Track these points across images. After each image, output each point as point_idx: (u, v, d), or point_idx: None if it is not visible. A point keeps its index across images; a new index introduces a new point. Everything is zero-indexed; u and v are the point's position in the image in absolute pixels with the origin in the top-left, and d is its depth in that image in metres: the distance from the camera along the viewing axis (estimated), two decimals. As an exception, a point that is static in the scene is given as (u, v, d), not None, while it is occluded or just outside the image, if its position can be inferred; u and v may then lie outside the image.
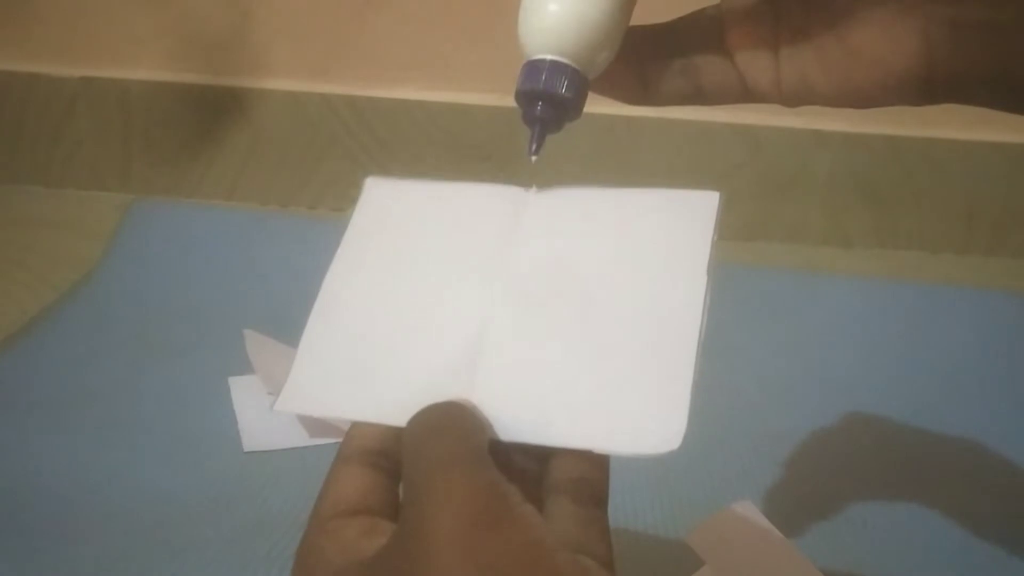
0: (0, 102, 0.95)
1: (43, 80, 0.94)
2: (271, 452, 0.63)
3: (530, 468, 0.34)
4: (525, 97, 0.41)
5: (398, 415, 0.33)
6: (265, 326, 0.71)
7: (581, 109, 0.40)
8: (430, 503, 0.29)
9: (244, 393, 0.67)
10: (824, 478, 0.63)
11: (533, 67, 0.41)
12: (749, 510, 0.57)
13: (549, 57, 0.40)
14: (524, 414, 0.34)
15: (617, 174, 0.91)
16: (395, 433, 0.34)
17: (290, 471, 0.62)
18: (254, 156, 0.95)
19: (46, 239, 0.89)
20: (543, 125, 0.40)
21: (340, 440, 0.66)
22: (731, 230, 0.92)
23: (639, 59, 0.41)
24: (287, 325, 0.73)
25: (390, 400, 0.34)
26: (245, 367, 0.67)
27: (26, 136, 0.96)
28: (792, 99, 0.40)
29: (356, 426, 0.35)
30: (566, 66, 0.40)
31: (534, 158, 0.40)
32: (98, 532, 0.56)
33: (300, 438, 0.64)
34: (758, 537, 0.54)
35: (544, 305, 0.36)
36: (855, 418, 0.68)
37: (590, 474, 0.33)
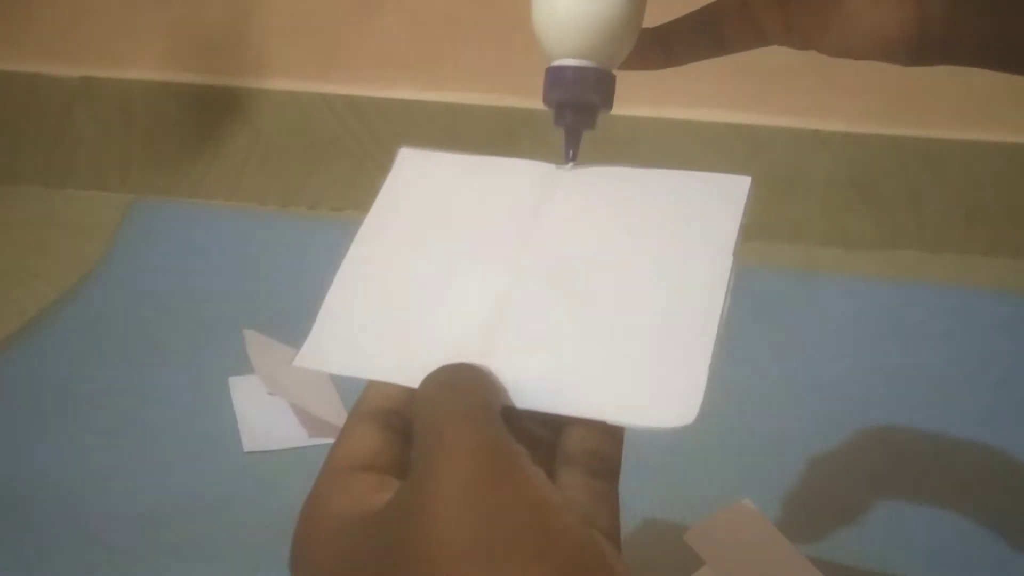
0: (0, 102, 0.95)
1: (43, 80, 0.93)
2: (271, 452, 0.63)
3: (545, 437, 0.34)
4: (554, 104, 0.40)
5: (415, 377, 0.34)
6: (265, 326, 0.71)
7: (612, 102, 0.40)
8: (439, 455, 0.29)
9: (244, 393, 0.67)
10: (824, 478, 0.63)
11: (558, 74, 0.39)
12: (749, 510, 0.57)
13: (572, 63, 0.39)
14: (541, 382, 0.34)
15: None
16: (409, 394, 0.34)
17: (290, 471, 0.62)
18: (254, 156, 0.95)
19: (46, 239, 0.89)
20: (577, 132, 0.40)
21: (340, 440, 0.66)
22: (731, 230, 0.92)
23: (657, 29, 0.43)
24: (287, 325, 0.73)
25: (408, 362, 0.34)
26: (245, 367, 0.67)
27: (26, 136, 0.96)
28: (800, 47, 0.43)
29: (372, 385, 0.35)
30: (592, 70, 0.39)
31: (571, 164, 0.39)
32: (98, 532, 0.56)
33: (300, 438, 0.64)
34: (758, 537, 0.54)
35: (568, 278, 0.36)
36: (855, 418, 0.68)
37: (604, 447, 0.33)
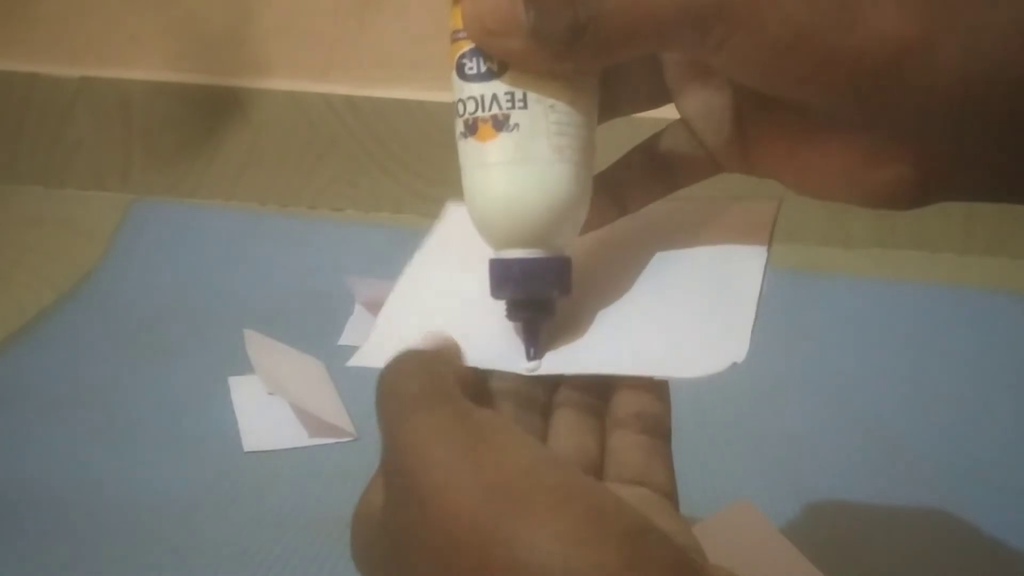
0: (0, 102, 0.95)
1: (43, 80, 0.93)
2: (271, 452, 0.63)
3: (538, 396, 0.34)
4: (506, 302, 0.35)
5: None
6: (265, 326, 0.71)
7: (570, 285, 0.34)
8: (402, 450, 0.28)
9: (244, 393, 0.67)
10: (824, 478, 0.63)
11: (505, 269, 0.34)
12: (749, 510, 0.57)
13: (520, 254, 0.34)
14: (587, 348, 0.34)
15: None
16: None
17: (290, 471, 0.62)
18: (254, 156, 0.95)
19: (46, 239, 0.89)
20: (535, 328, 0.35)
21: (340, 440, 0.66)
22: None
23: (605, 180, 0.38)
24: (287, 325, 0.73)
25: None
26: (245, 367, 0.67)
27: (26, 136, 0.96)
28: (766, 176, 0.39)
29: None
30: (544, 260, 0.34)
31: (536, 363, 0.34)
32: (98, 532, 0.56)
33: (300, 438, 0.64)
34: (758, 537, 0.54)
35: (607, 266, 0.37)
36: (855, 418, 0.68)
37: (652, 407, 0.33)
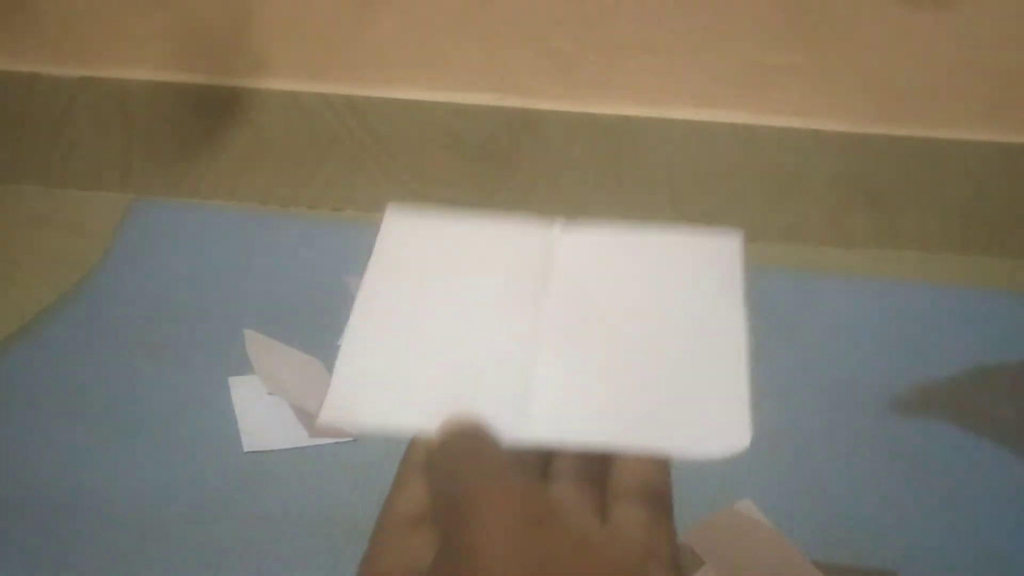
0: (0, 102, 0.95)
1: (43, 80, 0.93)
2: (271, 452, 0.63)
3: (536, 461, 0.34)
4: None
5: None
6: (265, 326, 0.71)
7: None
8: (473, 514, 0.29)
9: (244, 393, 0.67)
10: (824, 478, 0.63)
11: None
12: (749, 510, 0.57)
13: None
14: (587, 420, 0.34)
15: (617, 174, 0.91)
16: None
17: (290, 471, 0.62)
18: (254, 156, 0.95)
19: (46, 239, 0.89)
20: None
21: (340, 440, 0.66)
22: (731, 230, 0.92)
23: None
24: (287, 325, 0.73)
25: (435, 412, 0.34)
26: (245, 367, 0.67)
27: (26, 136, 0.96)
28: None
29: (416, 438, 0.35)
30: None
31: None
32: (98, 532, 0.56)
33: (300, 438, 0.64)
34: (758, 537, 0.54)
35: (591, 326, 0.37)
36: (855, 418, 0.68)
37: (654, 478, 0.33)
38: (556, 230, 0.40)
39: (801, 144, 0.90)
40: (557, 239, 0.40)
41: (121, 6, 0.91)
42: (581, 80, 0.89)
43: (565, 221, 0.41)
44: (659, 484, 0.33)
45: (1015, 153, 0.89)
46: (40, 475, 0.61)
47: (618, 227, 0.40)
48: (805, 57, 0.87)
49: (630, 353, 0.36)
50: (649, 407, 0.34)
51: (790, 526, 0.57)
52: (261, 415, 0.66)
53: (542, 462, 0.35)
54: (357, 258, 0.84)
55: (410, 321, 0.38)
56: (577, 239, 0.40)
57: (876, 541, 0.58)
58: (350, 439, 0.64)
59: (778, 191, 0.91)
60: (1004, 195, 0.90)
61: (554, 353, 0.36)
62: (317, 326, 0.74)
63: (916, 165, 0.90)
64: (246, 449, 0.63)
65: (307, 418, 0.65)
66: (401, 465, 0.34)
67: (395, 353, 0.37)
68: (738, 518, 0.56)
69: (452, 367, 0.36)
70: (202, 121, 0.94)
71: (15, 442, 0.63)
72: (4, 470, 0.61)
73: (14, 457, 0.62)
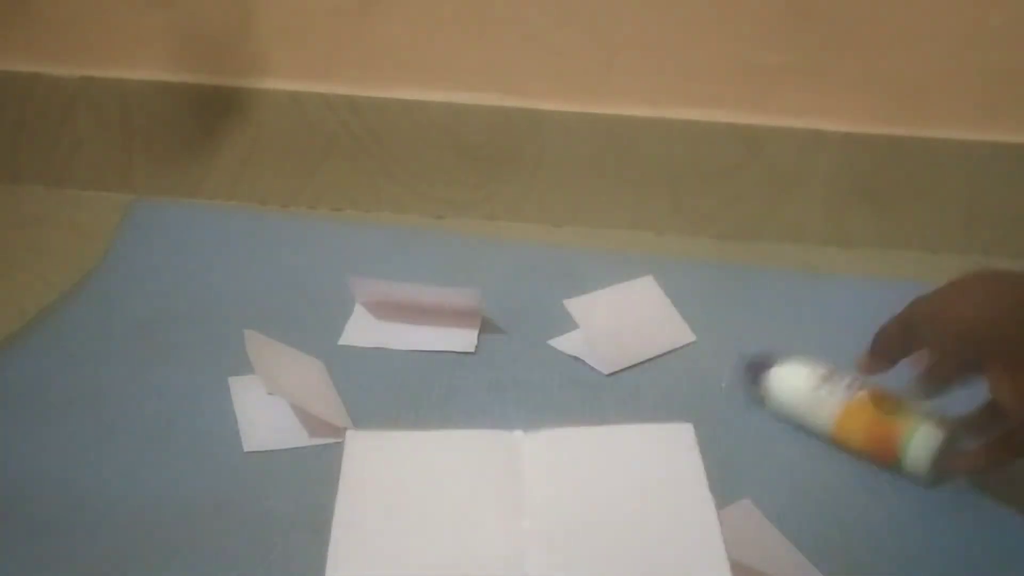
0: (0, 102, 0.95)
1: (43, 80, 0.94)
2: (271, 452, 0.63)
3: None
4: None
5: None
6: (265, 326, 0.71)
7: None
8: None
9: (244, 393, 0.67)
10: (824, 478, 0.63)
11: None
12: (749, 510, 0.57)
13: None
14: None
15: (617, 174, 0.91)
16: None
17: (290, 471, 0.62)
18: (254, 156, 0.95)
19: (46, 239, 0.89)
20: None
21: (339, 440, 0.66)
22: (731, 230, 0.92)
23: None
24: (287, 325, 0.73)
25: None
26: (245, 367, 0.67)
27: (26, 136, 0.96)
28: None
29: None
30: None
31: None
32: (98, 531, 0.56)
33: (300, 438, 0.64)
34: (757, 536, 0.53)
35: (573, 535, 0.38)
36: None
37: None
38: (517, 437, 0.42)
39: (801, 144, 0.90)
40: (520, 445, 0.41)
41: (121, 6, 0.91)
42: (581, 80, 0.89)
43: (524, 429, 0.42)
44: None
45: (1015, 153, 0.89)
46: (40, 475, 0.61)
47: (576, 430, 0.42)
48: (805, 57, 0.87)
49: (612, 547, 0.38)
50: None
51: (790, 526, 0.57)
52: (261, 415, 0.66)
53: None
54: (357, 258, 0.84)
55: (392, 541, 0.39)
56: (539, 444, 0.42)
57: (876, 541, 0.58)
58: (350, 439, 0.64)
59: (778, 191, 0.91)
60: (1004, 195, 0.90)
61: (538, 554, 0.37)
62: (317, 326, 0.74)
63: (916, 165, 0.90)
64: (246, 449, 0.63)
65: (307, 418, 0.65)
66: None
67: (382, 571, 0.38)
68: (738, 518, 0.56)
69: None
70: (202, 121, 0.94)
71: (15, 442, 0.63)
72: (4, 470, 0.61)
73: (14, 457, 0.62)
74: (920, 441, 0.61)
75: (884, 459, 0.62)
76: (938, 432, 0.61)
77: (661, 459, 0.41)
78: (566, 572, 0.37)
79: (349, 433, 0.43)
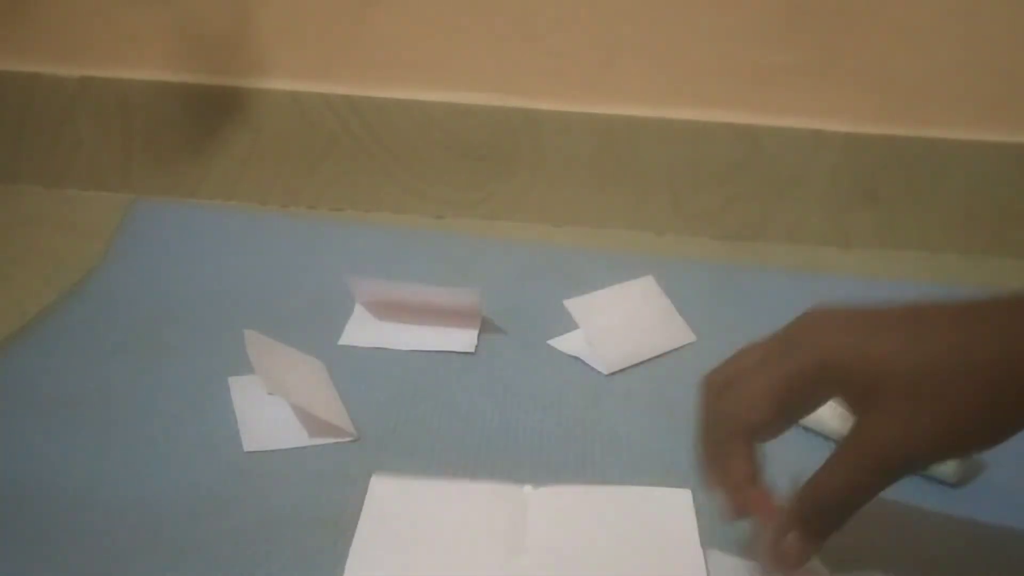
0: (0, 102, 0.95)
1: (43, 80, 0.94)
2: (271, 452, 0.63)
3: None
4: None
5: None
6: (265, 326, 0.70)
7: None
8: None
9: (244, 393, 0.67)
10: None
11: None
12: None
13: None
14: None
15: (617, 174, 0.91)
16: None
17: (290, 471, 0.62)
18: (254, 156, 0.95)
19: (46, 239, 0.89)
20: None
21: (339, 440, 0.66)
22: (731, 230, 0.92)
23: None
24: (287, 325, 0.73)
25: None
26: (245, 367, 0.67)
27: (26, 136, 0.96)
28: None
29: None
30: None
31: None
32: (98, 532, 0.56)
33: (300, 438, 0.64)
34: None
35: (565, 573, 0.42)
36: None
37: None
38: (526, 492, 0.46)
39: (801, 144, 0.90)
40: (528, 499, 0.45)
41: (121, 6, 0.91)
42: (581, 80, 0.89)
43: (533, 484, 0.46)
44: None
45: (1015, 153, 0.89)
46: (40, 475, 0.61)
47: (580, 488, 0.45)
48: (805, 57, 0.87)
49: None
50: None
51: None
52: (261, 415, 0.66)
53: None
54: (357, 258, 0.84)
55: (401, 569, 0.43)
56: (546, 499, 0.45)
57: (876, 541, 0.58)
58: (350, 439, 0.64)
59: (778, 191, 0.91)
60: (1004, 195, 0.90)
61: None
62: (317, 326, 0.74)
63: (916, 165, 0.90)
64: (246, 449, 0.63)
65: (307, 418, 0.65)
66: None
67: None
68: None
69: None
70: (202, 121, 0.94)
71: (15, 442, 0.63)
72: (4, 470, 0.61)
73: (14, 457, 0.62)
74: None
75: None
76: None
77: (658, 520, 0.44)
78: None
79: (374, 478, 0.47)
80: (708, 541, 0.44)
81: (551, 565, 0.41)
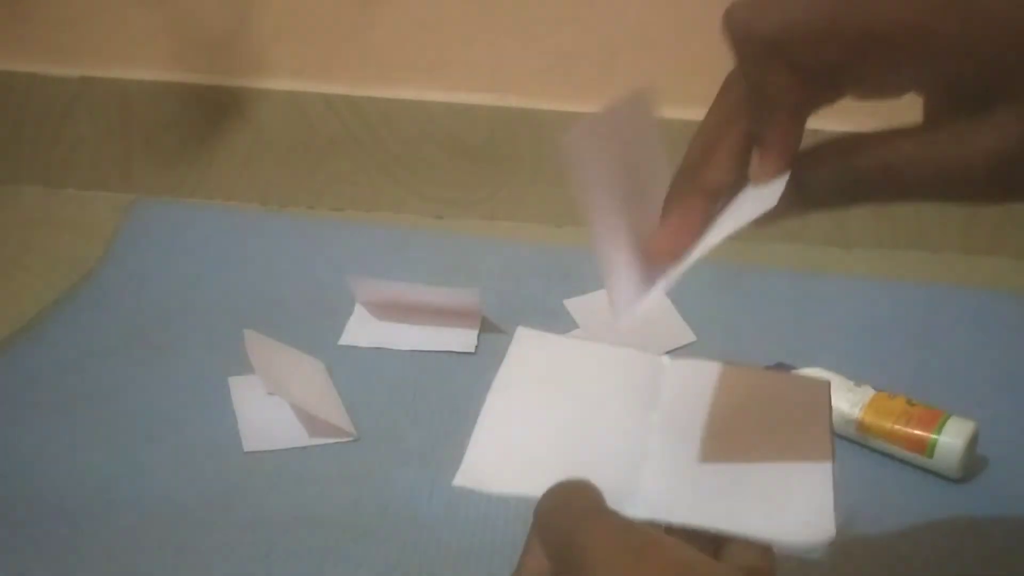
0: (0, 102, 0.95)
1: (43, 80, 0.93)
2: (271, 452, 0.63)
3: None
4: None
5: None
6: (265, 326, 0.71)
7: None
8: (581, 549, 0.32)
9: (244, 393, 0.67)
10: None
11: None
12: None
13: None
14: (697, 503, 0.39)
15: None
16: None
17: (290, 471, 0.62)
18: (254, 156, 0.95)
19: (46, 239, 0.89)
20: None
21: (340, 440, 0.66)
22: (731, 230, 0.92)
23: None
24: (287, 325, 0.73)
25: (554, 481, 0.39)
26: (245, 367, 0.67)
27: (26, 136, 0.96)
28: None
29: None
30: None
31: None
32: (98, 532, 0.56)
33: (300, 438, 0.64)
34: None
35: (694, 432, 0.42)
36: (855, 418, 0.68)
37: (759, 562, 0.36)
38: (664, 360, 0.46)
39: (801, 144, 0.90)
40: (665, 367, 0.45)
41: (121, 6, 0.91)
42: (581, 80, 0.89)
43: (671, 353, 0.46)
44: (764, 568, 0.36)
45: (1015, 153, 0.89)
46: (40, 475, 0.61)
47: (717, 364, 0.45)
48: (805, 57, 0.87)
49: (729, 458, 0.41)
50: (750, 497, 0.39)
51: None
52: (261, 415, 0.66)
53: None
54: (357, 258, 0.84)
55: (537, 413, 0.43)
56: (682, 369, 0.45)
57: (876, 540, 0.58)
58: (350, 439, 0.64)
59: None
60: (1004, 195, 0.90)
61: (661, 449, 0.41)
62: (317, 326, 0.74)
63: (916, 165, 0.90)
64: (246, 449, 0.63)
65: (307, 418, 0.65)
66: (529, 530, 0.37)
67: (523, 435, 0.43)
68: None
69: (571, 451, 0.42)
70: (202, 121, 0.94)
71: (15, 442, 0.63)
72: (4, 470, 0.61)
73: (14, 457, 0.62)
74: (951, 430, 0.61)
75: (912, 452, 0.62)
76: (968, 423, 0.61)
77: (791, 407, 0.44)
78: (678, 467, 0.41)
79: (520, 328, 0.47)
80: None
81: (679, 423, 0.42)
